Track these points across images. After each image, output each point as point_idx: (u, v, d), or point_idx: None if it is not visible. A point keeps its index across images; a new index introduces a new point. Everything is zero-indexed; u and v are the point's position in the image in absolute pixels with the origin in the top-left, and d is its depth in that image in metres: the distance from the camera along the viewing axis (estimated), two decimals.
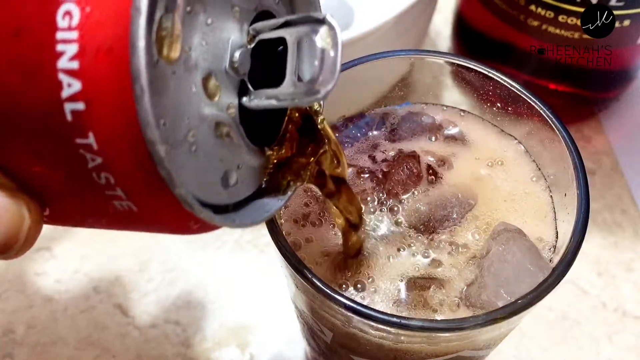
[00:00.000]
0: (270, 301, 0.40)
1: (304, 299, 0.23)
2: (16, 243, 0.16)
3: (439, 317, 0.22)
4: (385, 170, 0.25)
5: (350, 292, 0.22)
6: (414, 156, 0.25)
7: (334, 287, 0.21)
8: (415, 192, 0.25)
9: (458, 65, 0.26)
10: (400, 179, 0.25)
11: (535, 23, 0.40)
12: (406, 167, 0.25)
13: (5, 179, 0.16)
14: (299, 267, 0.20)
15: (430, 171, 0.25)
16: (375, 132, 0.27)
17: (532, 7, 0.39)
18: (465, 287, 0.22)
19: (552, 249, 0.23)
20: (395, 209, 0.24)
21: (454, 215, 0.24)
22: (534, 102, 0.24)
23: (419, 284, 0.22)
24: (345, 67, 0.25)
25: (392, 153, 0.26)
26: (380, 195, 0.25)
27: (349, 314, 0.19)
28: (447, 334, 0.20)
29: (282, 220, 0.24)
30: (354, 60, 0.25)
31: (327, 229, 0.24)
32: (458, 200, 0.24)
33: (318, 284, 0.20)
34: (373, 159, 0.26)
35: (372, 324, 0.19)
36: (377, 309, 0.20)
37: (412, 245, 0.23)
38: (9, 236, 0.16)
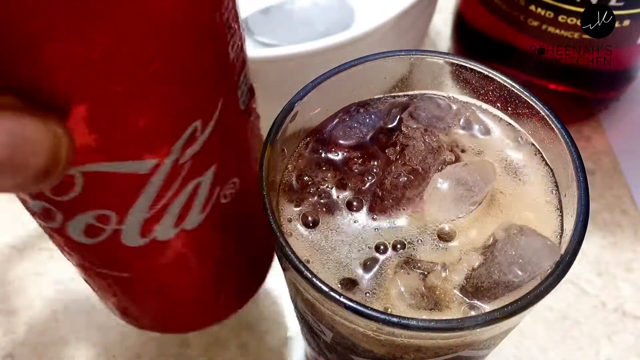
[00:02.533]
0: (270, 301, 0.40)
1: (304, 299, 0.23)
2: (58, 165, 0.16)
3: (446, 302, 0.22)
4: (403, 143, 0.25)
5: (355, 270, 0.22)
6: (432, 132, 0.25)
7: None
8: (434, 167, 0.24)
9: (458, 65, 0.26)
10: (419, 150, 0.24)
11: (535, 23, 0.40)
12: (425, 140, 0.24)
13: (26, 102, 0.15)
14: (299, 267, 0.20)
15: (449, 149, 0.25)
16: (389, 116, 0.27)
17: (532, 7, 0.40)
18: (473, 271, 0.22)
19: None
20: (410, 186, 0.24)
21: (475, 190, 0.23)
22: (534, 102, 0.24)
23: (423, 267, 0.22)
24: (345, 67, 0.25)
25: (407, 130, 0.25)
26: (396, 169, 0.24)
27: (349, 313, 0.19)
28: (446, 334, 0.20)
29: (282, 217, 0.24)
30: (354, 60, 0.25)
31: (328, 225, 0.24)
32: (480, 176, 0.23)
33: (318, 284, 0.20)
34: (388, 137, 0.26)
35: (372, 323, 0.20)
36: (376, 308, 0.20)
37: (419, 227, 0.23)
38: (51, 157, 0.15)
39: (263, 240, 0.29)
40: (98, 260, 0.24)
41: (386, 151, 0.25)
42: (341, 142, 0.26)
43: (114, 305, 0.29)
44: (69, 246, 0.23)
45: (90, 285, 0.27)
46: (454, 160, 0.25)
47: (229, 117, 0.21)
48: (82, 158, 0.18)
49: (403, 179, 0.24)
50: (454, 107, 0.27)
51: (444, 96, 0.27)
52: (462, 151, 0.26)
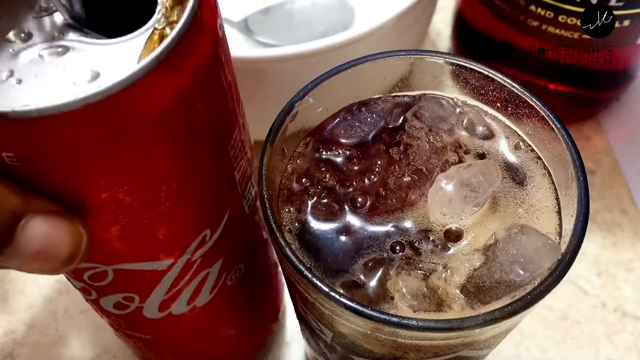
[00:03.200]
0: None
1: (304, 299, 0.23)
2: (78, 256, 0.20)
3: (449, 301, 0.22)
4: (407, 142, 0.25)
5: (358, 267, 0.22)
6: (436, 132, 0.25)
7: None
8: (438, 168, 0.24)
9: (458, 65, 0.26)
10: (423, 150, 0.24)
11: (535, 23, 0.40)
12: (429, 139, 0.24)
13: (57, 205, 0.19)
14: (299, 267, 0.20)
15: (453, 150, 0.25)
16: (391, 115, 0.27)
17: (532, 7, 0.40)
18: (474, 271, 0.22)
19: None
20: (414, 186, 0.24)
21: (479, 191, 0.23)
22: (534, 102, 0.24)
23: (424, 268, 0.22)
24: (345, 67, 0.25)
25: (411, 130, 0.25)
26: (400, 169, 0.24)
27: (349, 313, 0.19)
28: (446, 334, 0.20)
29: (282, 215, 0.24)
30: (354, 60, 0.25)
31: (330, 223, 0.24)
32: (484, 177, 0.23)
33: (318, 284, 0.20)
34: (391, 137, 0.26)
35: (372, 323, 0.20)
36: (377, 308, 0.20)
37: (421, 227, 0.23)
38: (73, 252, 0.19)
39: (266, 304, 0.34)
40: (125, 325, 0.29)
41: (389, 151, 0.25)
42: (343, 141, 0.26)
43: (139, 355, 0.34)
44: (102, 312, 0.28)
45: (121, 339, 0.32)
46: (457, 161, 0.25)
47: (235, 223, 0.26)
48: (113, 260, 0.23)
49: (407, 178, 0.24)
50: (458, 108, 0.27)
51: (447, 97, 0.27)
52: (466, 152, 0.26)
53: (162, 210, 0.21)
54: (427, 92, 0.27)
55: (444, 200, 0.23)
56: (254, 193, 0.28)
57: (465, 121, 0.27)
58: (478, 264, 0.22)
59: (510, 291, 0.21)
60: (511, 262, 0.21)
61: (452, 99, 0.27)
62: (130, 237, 0.21)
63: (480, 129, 0.26)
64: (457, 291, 0.22)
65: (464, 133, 0.26)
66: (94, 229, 0.20)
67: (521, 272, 0.21)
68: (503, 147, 0.26)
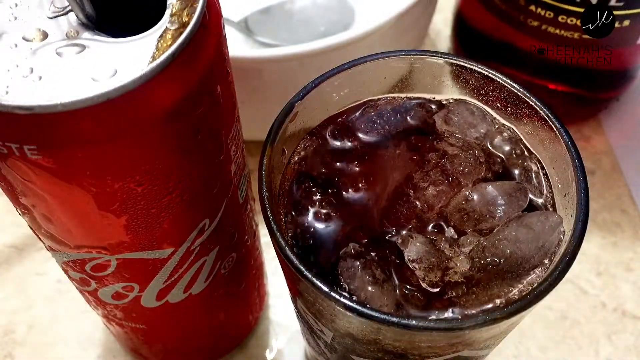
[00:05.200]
0: (270, 301, 0.40)
1: (304, 299, 0.23)
2: None
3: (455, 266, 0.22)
4: (452, 153, 0.25)
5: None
6: (478, 145, 0.25)
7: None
8: (463, 179, 0.24)
9: (458, 65, 0.26)
10: (468, 163, 0.24)
11: (535, 23, 0.40)
12: (473, 153, 0.24)
13: None
14: (299, 267, 0.20)
15: (488, 163, 0.25)
16: (409, 117, 0.27)
17: (532, 7, 0.40)
18: (480, 242, 0.22)
19: None
20: (437, 195, 0.24)
21: (500, 214, 0.23)
22: (534, 102, 0.24)
23: (432, 239, 0.22)
24: (345, 67, 0.25)
25: (450, 140, 0.25)
26: (418, 175, 0.24)
27: (349, 314, 0.19)
28: (446, 334, 0.20)
29: (282, 216, 0.24)
30: (354, 60, 0.25)
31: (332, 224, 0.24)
32: (510, 199, 0.23)
33: (318, 284, 0.20)
34: (398, 138, 0.26)
35: (372, 323, 0.20)
36: (379, 308, 0.20)
37: (433, 227, 0.23)
38: None
39: (253, 291, 0.35)
40: (120, 315, 0.29)
41: (398, 153, 0.25)
42: (352, 138, 0.26)
43: (128, 346, 0.35)
44: (98, 303, 0.28)
45: (108, 328, 0.33)
46: (488, 173, 0.25)
47: (230, 211, 0.27)
48: (119, 250, 0.23)
49: (431, 187, 0.24)
50: (487, 117, 0.26)
51: (475, 104, 0.27)
52: (491, 166, 0.25)
53: (169, 200, 0.22)
54: (453, 97, 0.27)
55: (468, 213, 0.23)
56: (247, 183, 0.29)
57: (492, 132, 0.26)
58: (484, 240, 0.22)
59: (517, 265, 0.22)
60: (517, 227, 0.22)
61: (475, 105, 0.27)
62: (137, 226, 0.22)
63: (505, 143, 0.26)
64: (465, 266, 0.22)
65: (489, 145, 0.26)
66: (104, 218, 0.21)
67: (527, 236, 0.22)
68: (508, 147, 0.26)
